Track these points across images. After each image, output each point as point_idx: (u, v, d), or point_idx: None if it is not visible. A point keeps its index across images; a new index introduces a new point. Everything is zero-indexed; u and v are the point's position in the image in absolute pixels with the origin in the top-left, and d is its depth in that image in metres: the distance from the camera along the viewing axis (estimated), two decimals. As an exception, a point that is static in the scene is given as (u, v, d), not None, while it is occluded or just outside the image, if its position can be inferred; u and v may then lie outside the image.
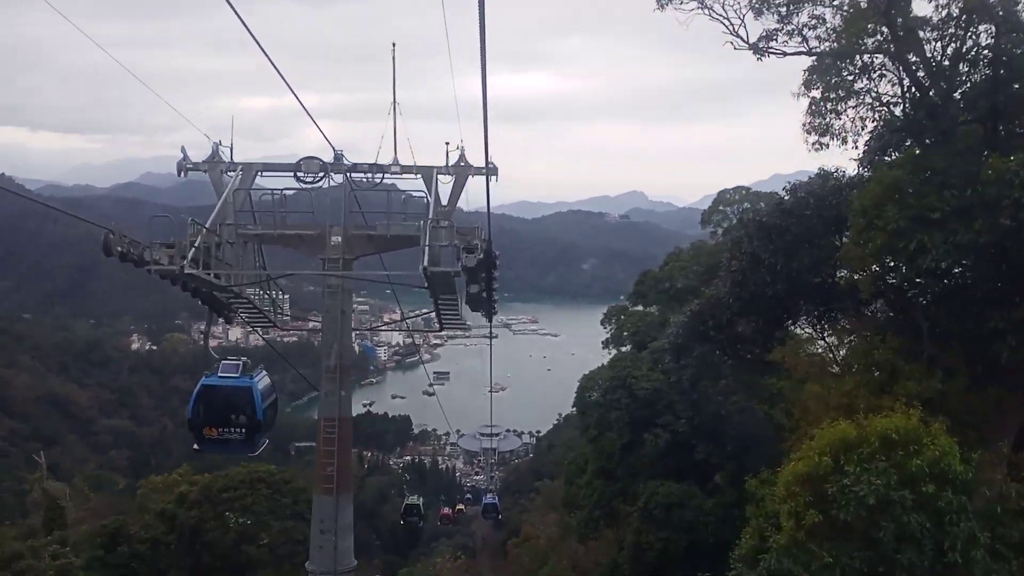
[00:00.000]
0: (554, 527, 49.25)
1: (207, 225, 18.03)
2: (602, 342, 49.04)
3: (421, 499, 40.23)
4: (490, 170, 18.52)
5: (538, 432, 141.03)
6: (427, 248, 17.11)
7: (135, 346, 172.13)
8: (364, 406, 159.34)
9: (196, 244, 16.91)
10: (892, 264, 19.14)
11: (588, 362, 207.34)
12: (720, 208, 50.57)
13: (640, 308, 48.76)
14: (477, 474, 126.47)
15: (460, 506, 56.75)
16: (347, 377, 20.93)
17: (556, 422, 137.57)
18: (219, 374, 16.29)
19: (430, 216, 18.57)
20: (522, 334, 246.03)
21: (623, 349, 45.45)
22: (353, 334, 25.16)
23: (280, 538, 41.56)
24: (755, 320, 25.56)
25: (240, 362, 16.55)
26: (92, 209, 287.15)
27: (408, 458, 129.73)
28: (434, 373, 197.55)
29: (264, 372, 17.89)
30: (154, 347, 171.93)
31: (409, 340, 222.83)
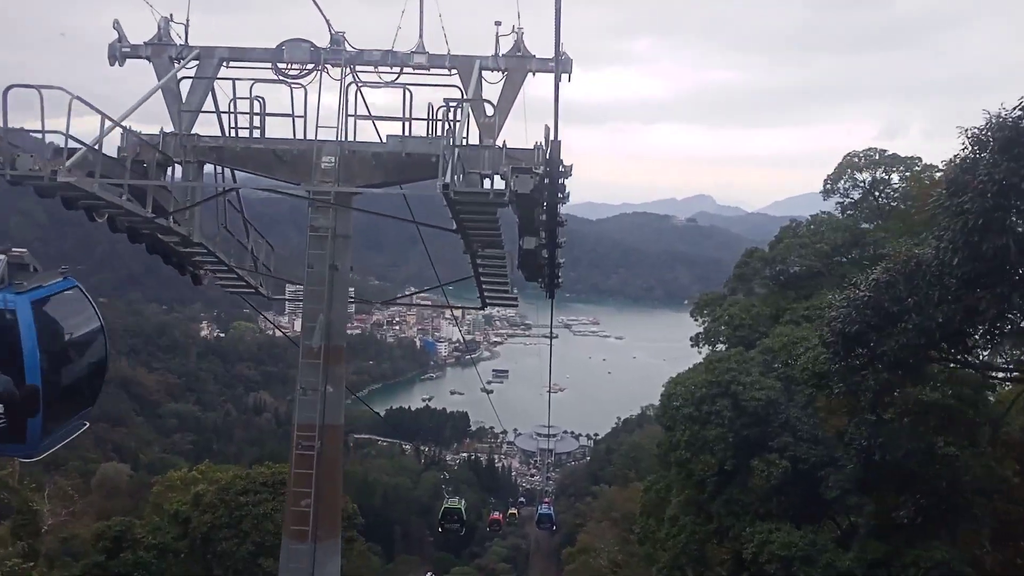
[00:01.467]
0: (615, 546, 45.42)
1: (122, 121, 11.81)
2: (691, 338, 39.60)
3: (463, 502, 32.92)
4: (562, 63, 12.33)
5: (596, 435, 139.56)
6: (452, 158, 10.29)
7: (204, 332, 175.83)
8: (423, 400, 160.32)
9: (97, 146, 11.01)
10: None
11: (650, 367, 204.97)
12: (849, 174, 40.22)
13: (742, 297, 39.82)
14: (533, 475, 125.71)
15: (513, 510, 53.71)
16: (339, 365, 14.74)
17: (615, 425, 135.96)
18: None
19: (459, 117, 12.21)
20: (582, 335, 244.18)
21: (719, 347, 37.18)
22: (351, 304, 19.20)
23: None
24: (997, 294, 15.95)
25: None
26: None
27: (465, 455, 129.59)
28: (493, 371, 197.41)
29: (65, 283, 9.10)
30: (222, 334, 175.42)
31: (470, 337, 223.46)
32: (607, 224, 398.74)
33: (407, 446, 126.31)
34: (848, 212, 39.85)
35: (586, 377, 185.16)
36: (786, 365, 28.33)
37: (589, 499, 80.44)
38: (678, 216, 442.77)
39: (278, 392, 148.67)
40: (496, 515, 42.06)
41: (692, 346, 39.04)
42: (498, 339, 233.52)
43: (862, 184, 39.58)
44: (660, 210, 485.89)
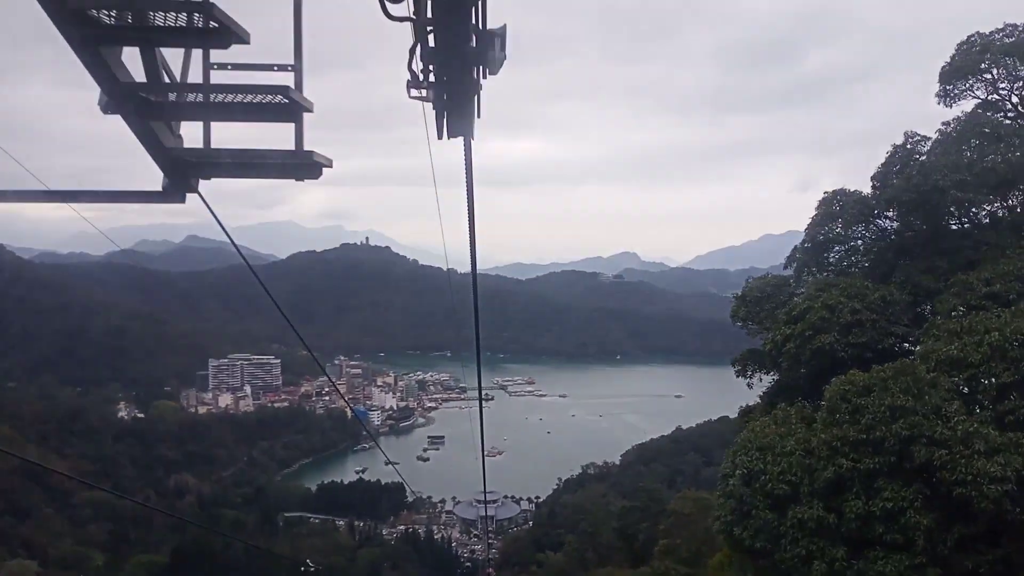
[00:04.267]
0: None
1: None
2: (735, 362, 30.06)
3: None
4: None
5: (537, 498, 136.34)
6: None
7: (122, 414, 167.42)
8: (356, 473, 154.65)
9: None
10: None
11: (589, 424, 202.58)
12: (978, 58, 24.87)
13: (830, 277, 26.25)
14: (475, 543, 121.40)
15: None
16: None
17: (556, 486, 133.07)
18: None
19: None
20: (518, 396, 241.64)
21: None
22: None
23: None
24: None
25: None
26: (87, 276, 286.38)
27: (403, 527, 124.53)
28: (428, 438, 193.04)
29: None
30: (141, 415, 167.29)
31: (403, 404, 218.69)
32: (537, 284, 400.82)
33: (341, 522, 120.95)
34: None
35: (524, 439, 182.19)
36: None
37: (534, 567, 77.17)
38: (605, 273, 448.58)
39: (202, 472, 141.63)
40: None
41: (738, 375, 29.53)
42: (432, 404, 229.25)
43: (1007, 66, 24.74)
44: (588, 267, 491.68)
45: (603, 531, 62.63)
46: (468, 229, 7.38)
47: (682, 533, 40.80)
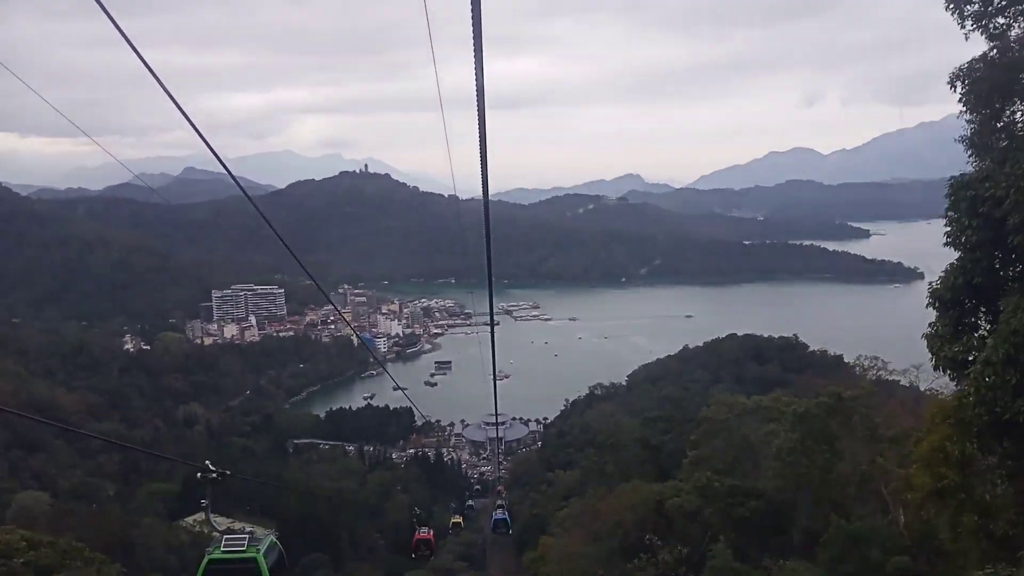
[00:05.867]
0: (580, 554, 37.09)
1: None
2: None
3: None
4: None
5: (545, 419, 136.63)
6: None
7: (128, 346, 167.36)
8: (364, 399, 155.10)
9: None
10: None
11: (594, 346, 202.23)
12: None
13: None
14: (485, 465, 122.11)
15: (457, 518, 45.26)
16: None
17: (564, 408, 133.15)
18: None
19: None
20: (524, 320, 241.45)
21: None
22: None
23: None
24: None
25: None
26: (86, 211, 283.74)
27: (412, 451, 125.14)
28: (435, 363, 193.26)
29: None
30: (147, 347, 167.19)
31: (409, 330, 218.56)
32: (540, 208, 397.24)
33: (350, 448, 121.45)
34: None
35: (531, 362, 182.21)
36: None
37: (545, 487, 76.96)
38: (609, 196, 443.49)
39: (210, 402, 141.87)
40: (423, 533, 28.41)
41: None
42: (438, 330, 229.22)
43: None
44: (592, 191, 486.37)
45: (624, 442, 58.94)
46: (479, 144, 7.06)
47: (715, 441, 37.46)
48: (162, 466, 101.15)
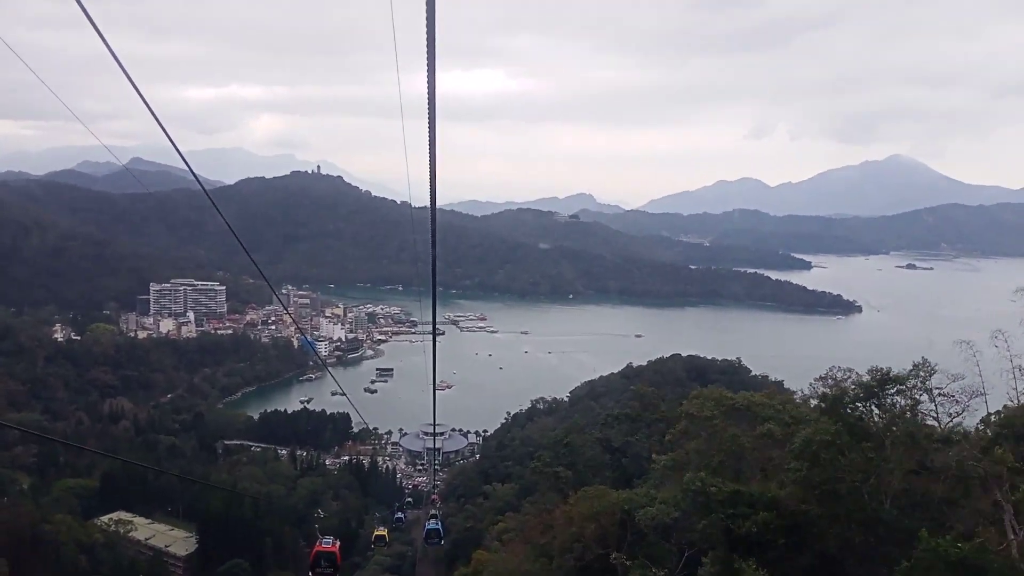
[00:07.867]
0: (525, 572, 33.59)
1: None
2: None
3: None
4: None
5: (485, 431, 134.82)
6: None
7: (57, 335, 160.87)
8: (301, 402, 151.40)
9: None
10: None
11: (539, 361, 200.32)
12: None
13: None
14: (420, 476, 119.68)
15: (382, 530, 40.49)
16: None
17: (504, 420, 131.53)
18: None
19: None
20: (470, 331, 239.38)
21: None
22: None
23: None
24: None
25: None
26: (22, 194, 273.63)
27: (346, 458, 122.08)
28: (376, 370, 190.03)
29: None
30: (77, 337, 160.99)
31: (352, 336, 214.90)
32: (492, 221, 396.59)
33: (283, 451, 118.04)
34: None
35: (474, 373, 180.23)
36: None
37: (481, 500, 75.24)
38: (561, 213, 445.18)
39: (139, 398, 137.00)
40: (326, 545, 23.90)
41: None
42: (382, 337, 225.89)
43: None
44: (544, 207, 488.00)
45: (582, 445, 53.21)
46: (428, 151, 7.34)
47: (695, 442, 33.03)
48: (82, 461, 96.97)
